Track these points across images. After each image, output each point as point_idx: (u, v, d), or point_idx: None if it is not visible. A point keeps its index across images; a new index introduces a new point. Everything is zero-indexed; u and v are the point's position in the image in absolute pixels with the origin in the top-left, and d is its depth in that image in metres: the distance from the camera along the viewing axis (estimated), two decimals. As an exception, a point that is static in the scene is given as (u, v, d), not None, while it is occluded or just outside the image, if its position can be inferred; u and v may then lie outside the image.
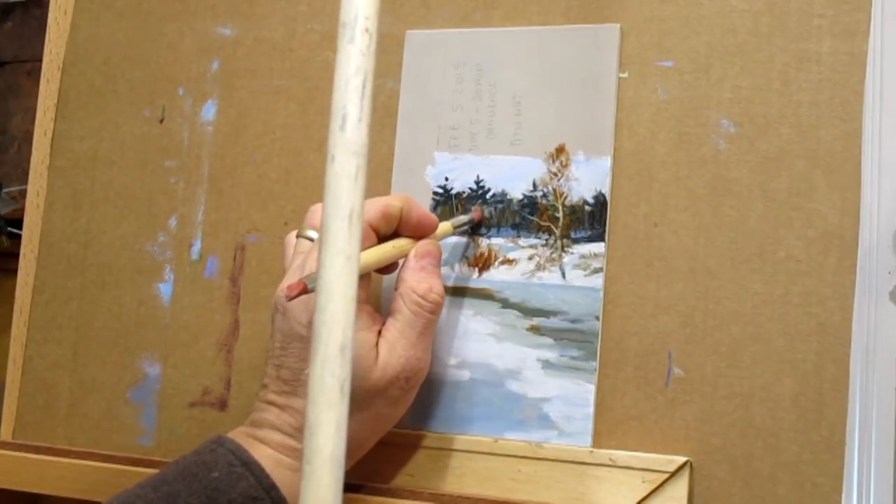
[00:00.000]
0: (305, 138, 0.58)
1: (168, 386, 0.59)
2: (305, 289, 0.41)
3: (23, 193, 0.74)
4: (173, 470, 0.45)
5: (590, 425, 0.50)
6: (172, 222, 0.60)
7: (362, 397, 0.46)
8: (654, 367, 0.49)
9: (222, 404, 0.57)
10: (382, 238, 0.48)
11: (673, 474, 0.47)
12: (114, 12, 0.64)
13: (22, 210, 0.65)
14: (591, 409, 0.50)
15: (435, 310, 0.48)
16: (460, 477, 0.49)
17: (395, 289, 0.49)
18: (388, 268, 0.50)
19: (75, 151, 0.63)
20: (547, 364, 0.51)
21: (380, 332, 0.47)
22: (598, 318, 0.50)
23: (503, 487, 0.50)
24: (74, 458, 0.58)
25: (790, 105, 0.49)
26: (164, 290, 0.60)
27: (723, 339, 0.49)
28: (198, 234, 0.60)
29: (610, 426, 0.50)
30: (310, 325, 0.45)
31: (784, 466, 0.47)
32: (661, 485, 0.47)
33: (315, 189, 0.57)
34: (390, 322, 0.48)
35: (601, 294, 0.50)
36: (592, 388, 0.50)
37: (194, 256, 0.60)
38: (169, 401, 0.59)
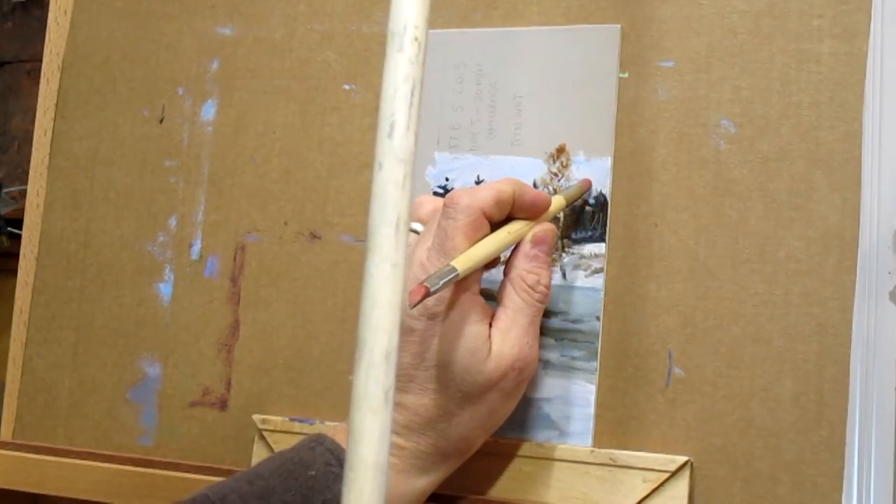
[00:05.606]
0: (305, 138, 0.58)
1: (168, 386, 0.59)
2: (429, 292, 0.40)
3: (23, 193, 0.74)
4: (270, 465, 0.45)
5: (590, 425, 0.50)
6: (172, 222, 0.60)
7: (476, 391, 0.45)
8: (654, 367, 0.49)
9: (222, 404, 0.57)
10: (494, 225, 0.47)
11: (673, 474, 0.47)
12: (113, 12, 0.64)
13: (22, 210, 0.65)
14: (591, 409, 0.50)
15: (543, 300, 0.47)
16: (460, 477, 0.49)
17: (505, 274, 0.48)
18: (493, 263, 0.49)
19: (75, 151, 0.63)
20: (548, 364, 0.51)
21: (490, 323, 0.46)
22: (598, 318, 0.50)
23: (503, 487, 0.50)
24: (74, 458, 0.58)
25: (790, 105, 0.49)
26: (164, 290, 0.60)
27: (723, 339, 0.49)
28: (198, 234, 0.60)
29: (610, 426, 0.50)
30: (423, 317, 0.45)
31: (784, 466, 0.47)
32: (662, 484, 0.47)
33: (315, 189, 0.57)
34: (500, 311, 0.47)
35: (602, 294, 0.51)
36: (593, 388, 0.50)
37: (194, 256, 0.60)
38: (169, 401, 0.59)
